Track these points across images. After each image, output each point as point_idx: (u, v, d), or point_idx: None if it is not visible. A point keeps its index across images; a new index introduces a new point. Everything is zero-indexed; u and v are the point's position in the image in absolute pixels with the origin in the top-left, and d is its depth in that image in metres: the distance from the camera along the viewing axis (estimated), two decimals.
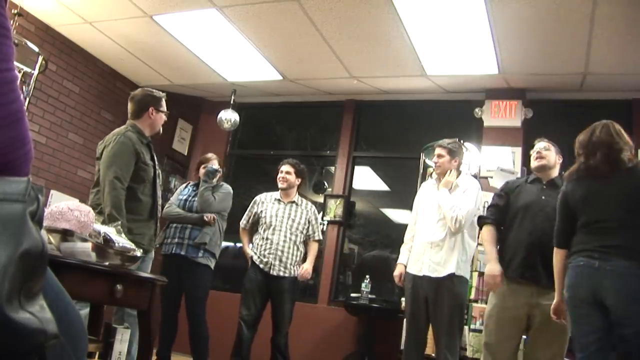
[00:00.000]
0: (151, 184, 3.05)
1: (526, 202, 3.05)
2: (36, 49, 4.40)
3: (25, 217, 0.72)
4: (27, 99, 4.41)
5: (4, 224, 0.70)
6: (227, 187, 4.03)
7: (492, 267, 3.00)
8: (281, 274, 3.90)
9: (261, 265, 3.91)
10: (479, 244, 3.64)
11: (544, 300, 2.86)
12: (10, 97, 0.78)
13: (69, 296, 1.05)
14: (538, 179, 3.18)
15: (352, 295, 4.77)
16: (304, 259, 4.05)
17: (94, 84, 5.25)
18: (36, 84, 4.50)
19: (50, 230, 1.91)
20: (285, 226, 3.98)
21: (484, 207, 4.10)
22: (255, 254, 3.96)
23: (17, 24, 4.16)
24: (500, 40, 4.07)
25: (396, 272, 3.51)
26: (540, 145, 3.21)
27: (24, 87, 4.32)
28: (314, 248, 4.11)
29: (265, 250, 3.93)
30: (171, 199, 4.04)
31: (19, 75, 4.18)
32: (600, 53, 4.08)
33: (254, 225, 4.12)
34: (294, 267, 3.95)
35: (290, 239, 3.96)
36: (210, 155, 4.09)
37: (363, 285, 4.54)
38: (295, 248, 3.98)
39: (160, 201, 3.16)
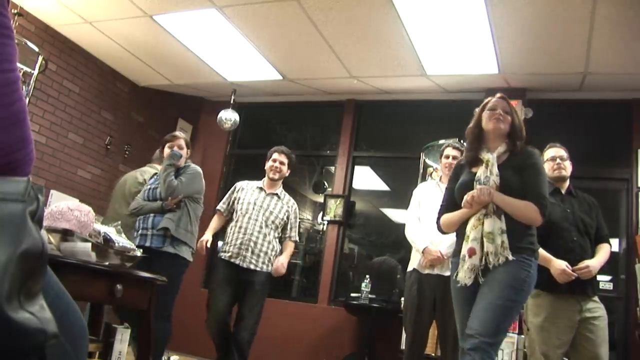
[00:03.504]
0: None
1: (555, 218, 2.93)
2: (36, 49, 4.41)
3: (25, 216, 0.72)
4: (27, 99, 4.41)
5: (4, 224, 0.70)
6: (195, 168, 3.62)
7: (558, 263, 2.90)
8: (252, 267, 3.56)
9: (231, 260, 3.58)
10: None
11: (589, 305, 2.90)
12: (12, 98, 0.78)
13: (70, 296, 1.05)
14: (556, 189, 3.09)
15: (352, 295, 4.77)
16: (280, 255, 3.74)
17: (94, 84, 5.25)
18: (36, 84, 4.50)
19: (50, 230, 1.91)
20: (262, 217, 3.66)
21: None
22: (226, 244, 3.64)
23: (17, 24, 4.16)
24: (500, 40, 4.07)
25: (434, 254, 3.31)
26: (559, 152, 3.15)
27: (24, 87, 4.33)
28: (290, 246, 3.79)
29: (237, 240, 3.60)
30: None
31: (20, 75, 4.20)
32: (600, 53, 4.08)
33: (231, 214, 3.79)
34: (266, 263, 3.61)
35: (264, 231, 3.63)
36: (177, 133, 3.72)
37: (363, 285, 4.53)
38: (269, 242, 3.64)
39: None
